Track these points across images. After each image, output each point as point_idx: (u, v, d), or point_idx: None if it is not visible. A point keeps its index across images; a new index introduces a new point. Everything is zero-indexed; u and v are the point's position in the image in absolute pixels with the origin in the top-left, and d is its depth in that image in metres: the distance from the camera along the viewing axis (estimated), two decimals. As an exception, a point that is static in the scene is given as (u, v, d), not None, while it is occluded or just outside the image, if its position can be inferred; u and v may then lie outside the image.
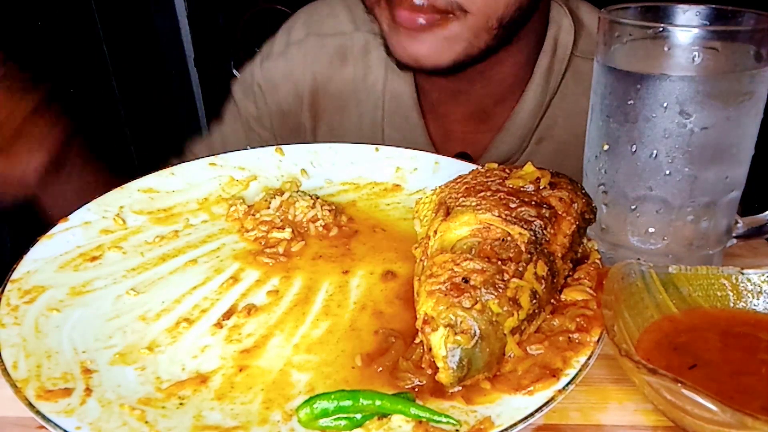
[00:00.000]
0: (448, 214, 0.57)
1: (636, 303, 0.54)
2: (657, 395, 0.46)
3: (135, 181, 0.71)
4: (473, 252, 0.53)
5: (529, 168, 0.60)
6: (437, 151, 1.02)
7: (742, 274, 0.56)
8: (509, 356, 0.50)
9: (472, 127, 1.04)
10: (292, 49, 1.08)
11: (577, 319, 0.52)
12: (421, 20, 0.85)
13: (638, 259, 0.57)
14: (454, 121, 1.04)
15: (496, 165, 0.63)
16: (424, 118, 1.04)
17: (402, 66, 0.93)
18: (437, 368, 0.48)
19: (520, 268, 0.51)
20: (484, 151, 1.02)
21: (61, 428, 0.45)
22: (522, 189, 0.58)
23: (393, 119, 1.04)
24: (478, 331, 0.48)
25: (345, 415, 0.46)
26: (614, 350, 0.47)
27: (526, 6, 0.89)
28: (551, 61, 0.99)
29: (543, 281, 0.52)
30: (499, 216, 0.55)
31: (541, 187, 0.58)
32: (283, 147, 0.78)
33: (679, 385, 0.43)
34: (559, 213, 0.56)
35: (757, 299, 0.55)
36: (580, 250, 0.58)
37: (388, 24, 0.90)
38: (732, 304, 0.55)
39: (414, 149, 0.78)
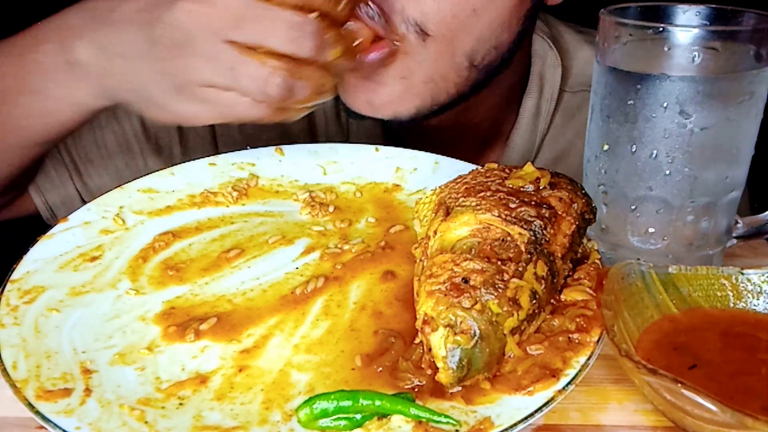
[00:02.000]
0: (447, 214, 0.57)
1: (636, 303, 0.54)
2: (657, 395, 0.46)
3: (135, 181, 0.71)
4: (473, 252, 0.53)
5: (528, 168, 0.60)
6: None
7: (742, 274, 0.56)
8: (509, 356, 0.50)
9: None
10: None
11: (577, 320, 0.52)
12: (372, 56, 0.70)
13: (638, 259, 0.57)
14: None
15: (495, 165, 0.63)
16: None
17: (354, 115, 0.78)
18: (437, 368, 0.48)
19: (520, 269, 0.51)
20: None
21: (60, 428, 0.45)
22: (522, 189, 0.58)
23: None
24: (477, 332, 0.48)
25: (345, 416, 0.46)
26: (614, 350, 0.47)
27: (507, 49, 0.77)
28: (538, 102, 0.89)
29: (543, 281, 0.52)
30: (498, 216, 0.55)
31: (540, 188, 0.58)
32: (283, 147, 0.78)
33: (679, 385, 0.43)
34: (559, 213, 0.56)
35: (757, 299, 0.55)
36: (580, 250, 0.58)
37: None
38: (732, 304, 0.55)
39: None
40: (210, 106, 0.61)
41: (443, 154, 0.82)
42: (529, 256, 0.52)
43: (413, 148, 0.86)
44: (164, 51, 0.60)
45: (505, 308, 0.49)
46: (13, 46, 0.73)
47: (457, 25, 0.71)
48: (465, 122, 0.87)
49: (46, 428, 0.46)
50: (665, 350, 0.52)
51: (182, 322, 0.56)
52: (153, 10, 0.60)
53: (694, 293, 0.56)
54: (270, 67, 0.58)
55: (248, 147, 0.78)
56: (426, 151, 0.80)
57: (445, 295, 0.50)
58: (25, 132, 0.75)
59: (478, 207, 0.56)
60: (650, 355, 0.51)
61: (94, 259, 0.63)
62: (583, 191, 0.60)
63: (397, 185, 0.75)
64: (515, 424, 0.45)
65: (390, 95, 0.74)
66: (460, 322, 0.48)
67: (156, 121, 0.66)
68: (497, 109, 0.89)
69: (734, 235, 0.65)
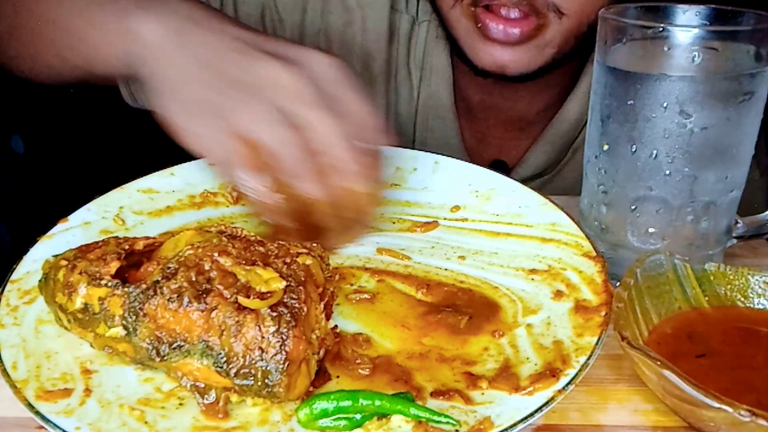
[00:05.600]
0: None
1: (662, 293, 0.55)
2: (650, 380, 0.46)
3: (135, 181, 0.71)
4: None
5: None
6: (470, 157, 0.96)
7: None
8: None
9: (509, 134, 0.99)
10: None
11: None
12: (516, 31, 0.79)
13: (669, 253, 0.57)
14: (491, 126, 0.99)
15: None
16: (459, 120, 0.98)
17: (480, 72, 0.85)
18: None
19: None
20: (520, 159, 0.97)
21: (60, 429, 0.45)
22: None
23: (425, 118, 0.97)
24: None
25: (344, 416, 0.46)
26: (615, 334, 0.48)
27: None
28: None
29: None
30: None
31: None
32: (283, 147, 0.78)
33: (659, 363, 0.43)
34: None
35: None
36: None
37: (471, 30, 0.83)
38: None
39: (444, 152, 0.76)
40: (218, 142, 0.60)
41: (507, 114, 0.96)
42: None
43: (483, 110, 0.98)
44: (229, 66, 0.60)
45: None
46: None
47: (588, 4, 0.80)
48: (539, 85, 0.92)
49: (45, 428, 0.46)
50: (679, 337, 0.52)
51: (182, 322, 0.56)
52: (251, 42, 0.61)
53: (731, 293, 0.56)
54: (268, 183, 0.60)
55: None
56: (492, 110, 0.94)
57: None
58: (74, 63, 0.76)
59: None
60: (662, 339, 0.51)
61: (94, 259, 0.63)
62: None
63: (397, 185, 0.75)
64: (515, 424, 0.45)
65: (522, 58, 0.82)
66: None
67: (157, 114, 0.62)
68: (567, 75, 0.94)
69: (734, 235, 0.65)
